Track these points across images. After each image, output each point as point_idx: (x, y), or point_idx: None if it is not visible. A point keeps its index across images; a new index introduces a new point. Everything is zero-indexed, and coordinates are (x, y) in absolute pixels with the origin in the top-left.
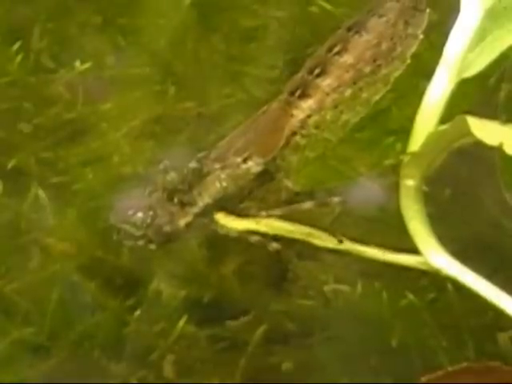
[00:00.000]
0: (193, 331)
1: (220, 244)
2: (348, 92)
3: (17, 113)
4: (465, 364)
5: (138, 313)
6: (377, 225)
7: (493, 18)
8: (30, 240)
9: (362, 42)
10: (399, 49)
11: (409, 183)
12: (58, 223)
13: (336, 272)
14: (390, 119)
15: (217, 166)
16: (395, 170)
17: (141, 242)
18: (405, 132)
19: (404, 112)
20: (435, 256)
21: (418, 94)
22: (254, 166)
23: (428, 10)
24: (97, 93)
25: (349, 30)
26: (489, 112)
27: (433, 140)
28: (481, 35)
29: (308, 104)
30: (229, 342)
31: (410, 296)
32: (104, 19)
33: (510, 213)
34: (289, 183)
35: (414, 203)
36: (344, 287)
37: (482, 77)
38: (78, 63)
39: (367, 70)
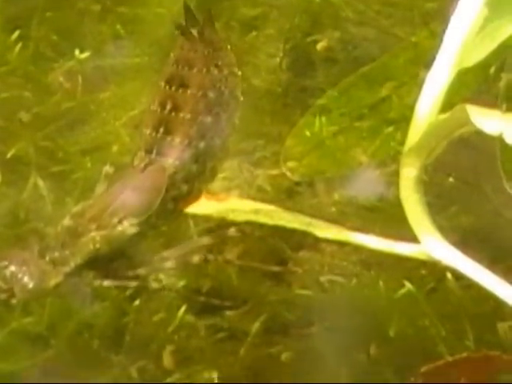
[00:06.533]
0: (192, 321)
1: (219, 234)
2: (202, 144)
3: (16, 102)
4: (464, 354)
5: (137, 303)
6: (377, 214)
7: (493, 7)
8: (29, 229)
9: (189, 97)
10: (227, 91)
11: (409, 172)
12: (58, 212)
13: (335, 262)
14: (390, 108)
15: (92, 226)
16: (395, 159)
17: (3, 296)
18: (405, 121)
19: (404, 101)
20: (435, 245)
21: (418, 83)
22: (128, 227)
23: (229, 47)
24: (96, 82)
25: (169, 85)
26: (489, 101)
27: (433, 129)
28: (481, 24)
29: (169, 162)
30: (228, 332)
31: (409, 285)
32: (103, 8)
33: (510, 202)
34: (288, 172)
35: (414, 192)
36: (343, 277)
37: (483, 66)
38: (77, 52)
39: (209, 120)
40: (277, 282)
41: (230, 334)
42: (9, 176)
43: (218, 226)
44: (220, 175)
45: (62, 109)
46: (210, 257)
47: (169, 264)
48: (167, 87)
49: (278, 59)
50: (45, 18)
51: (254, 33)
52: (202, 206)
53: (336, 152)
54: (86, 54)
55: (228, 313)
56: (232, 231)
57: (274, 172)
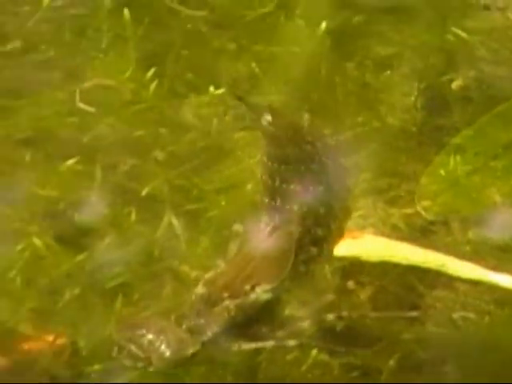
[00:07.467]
0: (326, 360)
1: (353, 272)
2: (321, 209)
3: (151, 140)
4: None
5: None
6: (511, 254)
7: None
8: (164, 268)
9: (293, 170)
10: (329, 161)
11: None
12: (192, 251)
13: (468, 300)
14: None
15: (225, 294)
16: None
17: (140, 365)
18: None
19: None
20: None
21: None
22: (261, 293)
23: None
24: (230, 120)
25: (271, 162)
26: None
27: None
28: None
29: (293, 228)
30: (362, 370)
31: None
32: (238, 46)
33: None
34: (422, 211)
35: None
36: (476, 315)
37: None
38: (211, 90)
39: (321, 188)
40: (410, 321)
41: (363, 373)
42: (143, 214)
43: (351, 265)
44: (355, 214)
45: (196, 147)
46: (344, 313)
47: (305, 324)
48: (269, 163)
49: (412, 98)
50: (180, 55)
51: (389, 72)
52: (338, 247)
53: (471, 191)
54: (220, 92)
55: (362, 351)
56: (365, 273)
57: (409, 211)
